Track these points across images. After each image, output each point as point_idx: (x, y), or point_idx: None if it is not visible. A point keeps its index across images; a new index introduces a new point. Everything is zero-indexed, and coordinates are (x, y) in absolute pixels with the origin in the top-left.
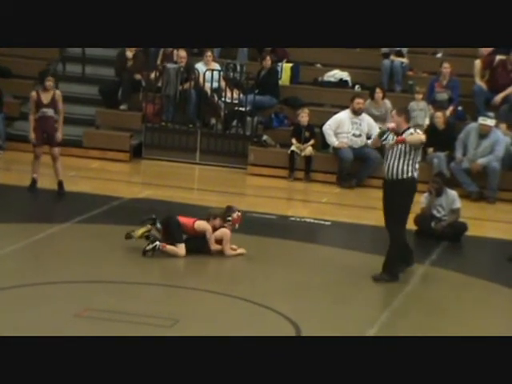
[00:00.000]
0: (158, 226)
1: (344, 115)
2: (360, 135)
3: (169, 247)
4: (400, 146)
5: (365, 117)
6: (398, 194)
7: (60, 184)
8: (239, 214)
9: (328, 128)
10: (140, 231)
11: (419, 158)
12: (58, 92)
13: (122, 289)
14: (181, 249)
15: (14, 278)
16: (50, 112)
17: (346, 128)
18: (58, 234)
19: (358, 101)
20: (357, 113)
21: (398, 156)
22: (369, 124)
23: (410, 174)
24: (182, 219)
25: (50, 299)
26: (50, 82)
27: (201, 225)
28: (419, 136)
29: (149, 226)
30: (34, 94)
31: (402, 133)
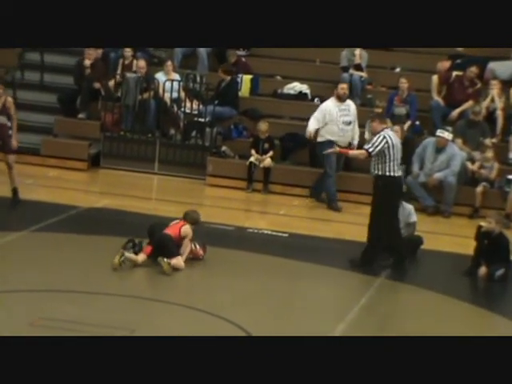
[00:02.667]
0: (143, 245)
1: (329, 103)
2: (350, 122)
3: (174, 261)
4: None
5: (351, 103)
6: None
7: (14, 191)
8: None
9: (313, 118)
10: (116, 261)
11: (396, 160)
12: (9, 99)
13: (77, 298)
14: (180, 260)
15: None
16: (2, 119)
17: (334, 116)
18: (15, 243)
19: (342, 86)
20: (342, 99)
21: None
22: (354, 110)
23: (386, 173)
24: (170, 231)
25: (5, 307)
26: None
27: (186, 230)
28: (359, 152)
29: (121, 251)
30: None
31: (377, 133)
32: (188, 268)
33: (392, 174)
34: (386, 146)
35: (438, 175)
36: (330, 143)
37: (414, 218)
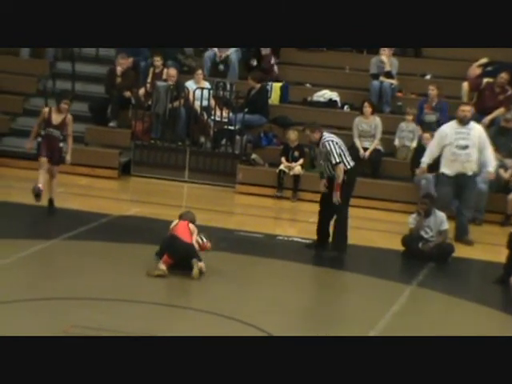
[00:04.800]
0: None
1: (448, 125)
2: (467, 147)
3: (201, 264)
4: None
5: (474, 127)
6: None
7: (51, 201)
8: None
9: (428, 149)
10: (154, 273)
11: (347, 152)
12: (69, 116)
13: (109, 306)
14: (203, 265)
15: (3, 294)
16: (56, 133)
17: (448, 139)
18: (47, 251)
19: (463, 108)
20: (462, 121)
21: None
22: (481, 137)
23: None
24: (186, 236)
25: (37, 315)
26: (65, 105)
27: (192, 227)
28: (338, 174)
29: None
30: (46, 110)
31: (317, 144)
32: (217, 275)
33: (349, 166)
34: (337, 146)
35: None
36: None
37: (446, 225)
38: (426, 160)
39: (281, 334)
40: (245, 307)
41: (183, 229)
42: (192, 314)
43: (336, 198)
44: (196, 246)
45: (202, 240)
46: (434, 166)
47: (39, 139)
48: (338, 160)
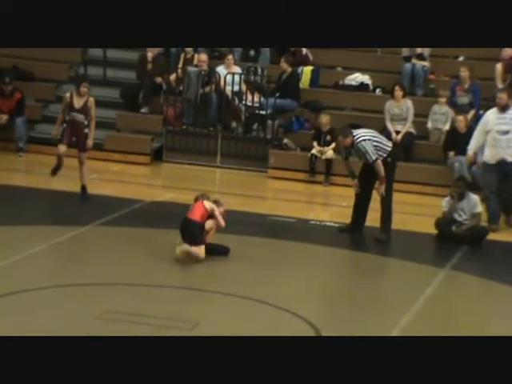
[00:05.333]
0: None
1: (490, 112)
2: (508, 132)
3: (194, 249)
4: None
5: None
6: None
7: (83, 188)
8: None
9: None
10: (178, 252)
11: (381, 139)
12: (91, 99)
13: (143, 291)
14: (202, 251)
15: (37, 280)
16: (79, 117)
17: (489, 125)
18: (80, 237)
19: (500, 95)
20: (502, 108)
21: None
22: None
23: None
24: (195, 215)
25: (72, 301)
26: (84, 88)
27: (210, 205)
28: (378, 169)
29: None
30: (67, 95)
31: (352, 146)
32: (249, 260)
33: (388, 150)
34: (370, 142)
35: None
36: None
37: (480, 208)
38: (471, 147)
39: (314, 319)
40: (277, 291)
41: (196, 209)
42: (224, 299)
43: (381, 191)
44: (219, 217)
45: (219, 210)
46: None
47: (64, 125)
48: (374, 158)
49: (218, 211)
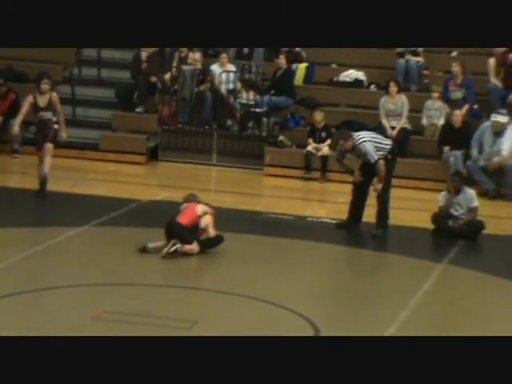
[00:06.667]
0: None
1: None
2: None
3: (187, 247)
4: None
5: None
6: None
7: (42, 183)
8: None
9: None
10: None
11: (379, 139)
12: (54, 94)
13: (139, 291)
14: (195, 246)
15: (32, 282)
16: (47, 115)
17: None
18: (76, 237)
19: None
20: None
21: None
22: None
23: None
24: (184, 218)
25: (68, 302)
26: (45, 85)
27: (202, 208)
28: (379, 168)
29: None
30: (30, 97)
31: (353, 149)
32: (247, 258)
33: (388, 148)
34: (371, 142)
35: (497, 159)
36: None
37: (476, 203)
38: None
39: (312, 316)
40: (275, 289)
41: (187, 214)
42: (223, 298)
43: (378, 189)
44: (209, 223)
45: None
46: (462, 144)
47: (34, 128)
48: (375, 158)
49: (211, 218)
